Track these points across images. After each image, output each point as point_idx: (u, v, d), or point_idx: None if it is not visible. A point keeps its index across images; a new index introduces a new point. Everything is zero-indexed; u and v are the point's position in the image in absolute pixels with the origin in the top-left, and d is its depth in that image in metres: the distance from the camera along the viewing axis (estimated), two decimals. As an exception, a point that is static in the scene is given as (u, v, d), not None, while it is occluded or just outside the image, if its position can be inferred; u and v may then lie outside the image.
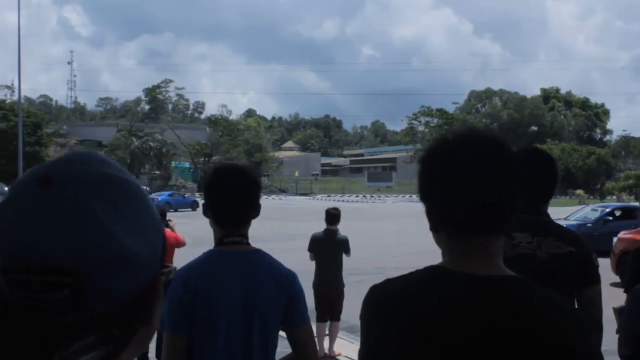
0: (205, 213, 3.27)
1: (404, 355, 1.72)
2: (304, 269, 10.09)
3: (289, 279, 3.22)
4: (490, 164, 1.72)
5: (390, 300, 1.79)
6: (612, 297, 5.05)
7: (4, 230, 0.90)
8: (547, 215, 3.51)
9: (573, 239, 3.40)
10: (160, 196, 57.49)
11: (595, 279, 3.33)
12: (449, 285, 1.72)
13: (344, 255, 10.04)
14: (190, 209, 55.10)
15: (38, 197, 0.90)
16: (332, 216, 10.04)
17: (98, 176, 0.94)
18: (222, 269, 3.13)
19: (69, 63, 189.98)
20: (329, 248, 9.91)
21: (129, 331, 0.95)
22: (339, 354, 9.76)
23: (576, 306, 3.17)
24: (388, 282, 1.87)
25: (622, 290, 4.14)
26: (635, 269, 4.36)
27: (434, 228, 1.81)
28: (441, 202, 1.77)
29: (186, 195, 65.73)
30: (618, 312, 4.30)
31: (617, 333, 3.72)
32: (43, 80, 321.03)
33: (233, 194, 3.19)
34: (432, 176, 1.80)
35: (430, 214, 1.80)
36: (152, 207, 1.00)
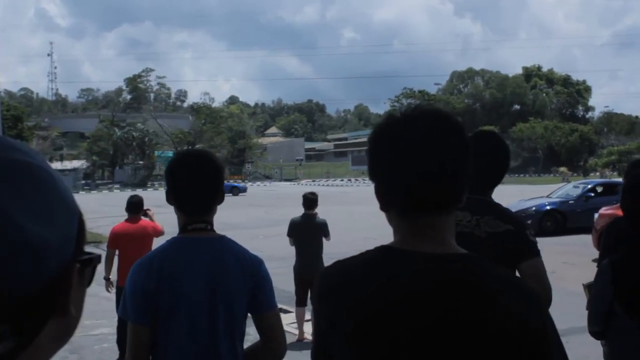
0: (168, 200, 3.23)
1: (354, 337, 1.71)
2: (288, 254, 10.13)
3: (254, 264, 3.18)
4: (433, 138, 1.70)
5: (339, 282, 1.79)
6: (594, 272, 5.07)
7: None
8: (488, 196, 3.57)
9: (510, 217, 3.51)
10: None
11: (534, 252, 3.41)
12: (399, 265, 1.71)
13: (324, 240, 10.11)
14: (230, 194, 54.98)
15: None
16: (310, 201, 10.12)
17: (2, 161, 0.90)
18: (186, 256, 3.09)
19: (49, 55, 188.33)
20: (307, 232, 9.98)
21: (40, 321, 0.91)
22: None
23: None
24: (337, 264, 1.87)
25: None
26: (607, 244, 4.38)
27: (383, 207, 1.80)
28: (388, 180, 1.76)
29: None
30: (587, 287, 4.32)
31: (586, 309, 3.75)
32: (23, 73, 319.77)
33: (195, 180, 3.14)
34: (378, 153, 1.79)
35: (378, 193, 1.79)
36: (63, 192, 0.97)
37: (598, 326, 3.55)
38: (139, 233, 8.83)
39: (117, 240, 8.85)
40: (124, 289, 3.16)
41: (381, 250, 1.78)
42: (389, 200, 1.78)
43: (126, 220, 9.04)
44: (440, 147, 1.70)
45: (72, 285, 0.96)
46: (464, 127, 1.80)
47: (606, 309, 3.45)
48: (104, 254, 8.53)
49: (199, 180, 3.15)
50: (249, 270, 3.14)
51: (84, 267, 1.00)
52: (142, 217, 9.20)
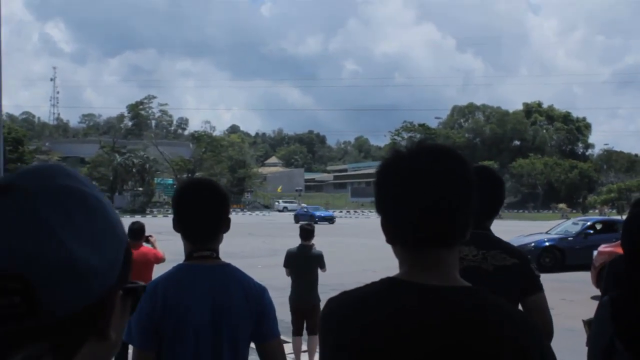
0: (175, 228, 3.25)
1: None
2: (286, 284, 10.13)
3: (258, 293, 3.21)
4: (438, 173, 1.73)
5: (345, 313, 1.80)
6: (593, 309, 5.08)
7: None
8: (490, 231, 3.64)
9: (515, 251, 3.59)
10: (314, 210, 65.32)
11: (539, 286, 3.52)
12: (404, 297, 1.73)
13: (320, 271, 10.17)
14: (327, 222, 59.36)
15: None
16: (306, 232, 10.19)
17: (57, 188, 0.96)
18: (191, 283, 3.12)
19: (51, 79, 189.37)
20: (303, 263, 10.02)
21: (78, 341, 0.95)
22: (318, 369, 9.73)
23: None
24: (344, 295, 1.88)
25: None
26: (607, 281, 4.41)
27: (389, 240, 1.83)
28: (393, 214, 1.79)
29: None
30: (587, 324, 4.34)
31: (586, 345, 3.77)
32: (25, 97, 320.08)
33: (201, 209, 3.18)
34: (384, 187, 1.82)
35: (384, 226, 1.81)
36: (113, 220, 1.02)
37: None
38: (140, 259, 8.77)
39: None
40: None
41: (387, 282, 1.80)
42: (395, 233, 1.80)
43: None
44: (445, 182, 1.72)
45: (114, 311, 1.00)
46: (469, 163, 1.82)
47: (606, 345, 3.46)
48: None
49: (205, 208, 3.18)
50: (253, 298, 3.17)
51: (127, 295, 1.05)
52: (144, 244, 9.24)
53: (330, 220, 62.25)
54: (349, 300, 1.84)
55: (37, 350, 0.89)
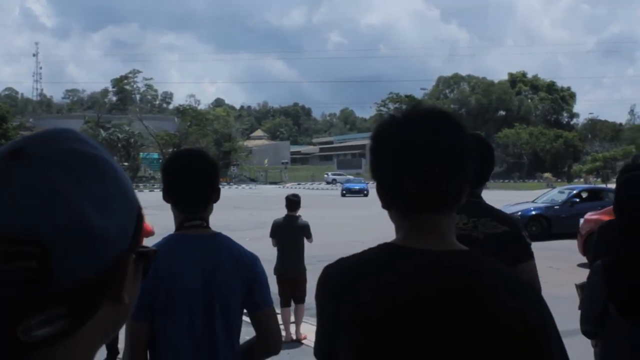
0: (165, 198, 3.25)
1: (359, 332, 1.73)
2: (272, 257, 10.11)
3: (250, 261, 3.20)
4: (434, 137, 1.72)
5: (343, 279, 1.81)
6: (581, 278, 5.07)
7: None
8: (481, 198, 3.63)
9: (507, 218, 3.60)
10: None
11: (530, 254, 3.53)
12: (403, 262, 1.73)
13: (307, 242, 10.26)
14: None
15: (5, 170, 0.92)
16: (292, 202, 10.25)
17: (68, 152, 0.95)
18: (182, 253, 3.12)
19: (34, 55, 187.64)
20: (290, 233, 10.09)
21: (93, 306, 0.95)
22: (305, 338, 9.78)
23: None
24: (341, 261, 1.87)
25: (588, 271, 4.20)
26: (599, 245, 4.41)
27: (385, 206, 1.82)
28: (389, 179, 1.78)
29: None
30: (580, 288, 4.36)
31: (579, 309, 3.78)
32: (8, 73, 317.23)
33: (191, 178, 3.18)
34: (379, 153, 1.81)
35: (380, 192, 1.81)
36: (124, 185, 1.02)
37: (591, 326, 3.59)
38: None
39: None
40: None
41: (383, 248, 1.81)
42: (391, 199, 1.80)
43: None
44: (441, 146, 1.72)
45: (128, 275, 1.00)
46: (465, 127, 1.82)
47: (599, 309, 3.47)
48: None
49: (195, 177, 3.18)
50: (245, 267, 3.16)
51: (139, 259, 1.05)
52: None
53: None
54: (345, 267, 1.84)
55: (52, 315, 0.89)
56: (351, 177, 69.71)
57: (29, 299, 0.88)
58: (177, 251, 3.13)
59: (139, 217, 1.05)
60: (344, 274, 1.82)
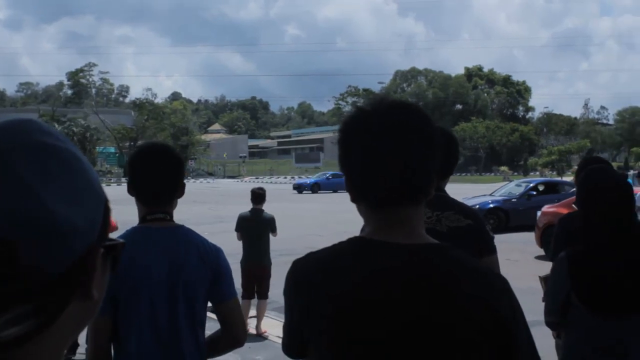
0: (129, 191, 3.25)
1: (331, 326, 1.73)
2: (233, 251, 10.06)
3: (213, 253, 3.21)
4: (402, 131, 1.72)
5: (313, 274, 1.80)
6: (538, 270, 5.10)
7: None
8: (444, 192, 3.63)
9: (470, 212, 3.60)
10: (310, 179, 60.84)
11: (492, 248, 3.54)
12: (372, 255, 1.73)
13: (271, 236, 10.24)
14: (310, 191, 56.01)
15: None
16: (258, 195, 10.24)
17: (32, 143, 0.93)
18: (145, 245, 3.10)
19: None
20: (255, 227, 10.09)
21: (63, 302, 0.92)
22: (265, 332, 9.76)
23: None
24: (310, 255, 1.87)
25: (546, 263, 4.25)
26: (561, 237, 4.46)
27: (354, 199, 1.82)
28: (358, 172, 1.77)
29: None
30: (544, 280, 4.41)
31: (543, 301, 3.81)
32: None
33: (156, 172, 3.18)
34: (348, 146, 1.80)
35: (349, 185, 1.81)
36: (91, 177, 0.99)
37: (555, 317, 3.62)
38: None
39: None
40: None
41: (354, 242, 1.81)
42: (359, 193, 1.79)
43: None
44: (410, 140, 1.72)
45: (96, 270, 0.97)
46: (432, 120, 1.82)
47: (563, 301, 3.50)
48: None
49: (160, 171, 3.18)
50: (209, 259, 3.16)
51: (108, 252, 1.01)
52: None
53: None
54: (315, 261, 1.84)
55: (20, 314, 0.86)
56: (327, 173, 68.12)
57: None
58: (141, 242, 3.11)
59: (107, 210, 1.02)
60: (314, 268, 1.81)
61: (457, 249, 1.82)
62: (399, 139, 1.71)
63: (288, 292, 1.87)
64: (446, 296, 1.67)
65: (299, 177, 71.78)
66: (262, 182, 78.05)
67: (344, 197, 1.85)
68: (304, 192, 55.50)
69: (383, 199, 1.75)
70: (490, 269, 1.91)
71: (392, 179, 1.71)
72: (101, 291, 1.01)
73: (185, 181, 3.32)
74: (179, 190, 3.26)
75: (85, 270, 0.95)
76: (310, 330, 1.79)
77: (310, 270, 1.81)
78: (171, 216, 3.25)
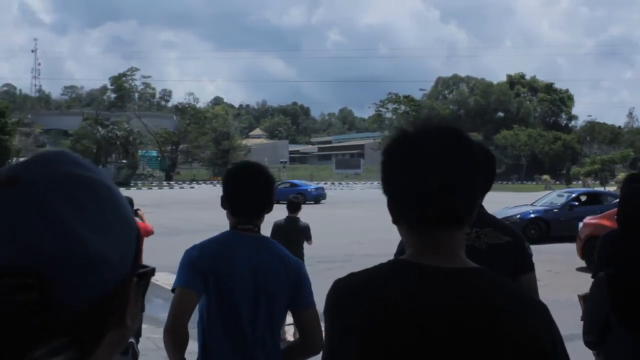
0: (222, 205, 3.56)
1: (365, 348, 1.73)
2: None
3: (296, 265, 3.49)
4: (445, 154, 1.72)
5: (352, 295, 1.80)
6: (579, 282, 5.06)
7: None
8: (483, 208, 3.62)
9: (509, 229, 3.62)
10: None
11: (531, 266, 3.55)
12: (408, 277, 1.73)
13: (306, 243, 10.32)
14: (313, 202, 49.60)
15: (2, 198, 0.91)
16: (293, 204, 10.33)
17: (66, 176, 0.95)
18: (235, 249, 3.41)
19: (32, 51, 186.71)
20: (290, 235, 10.06)
21: (99, 333, 0.94)
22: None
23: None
24: (350, 276, 1.87)
25: (587, 275, 4.21)
26: (603, 255, 4.41)
27: (395, 221, 1.82)
28: (399, 195, 1.78)
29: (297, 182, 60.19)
30: (583, 298, 4.36)
31: (581, 320, 3.77)
32: (6, 69, 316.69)
33: (249, 189, 3.49)
34: (390, 168, 1.81)
35: (390, 207, 1.81)
36: (123, 207, 1.01)
37: (594, 336, 3.58)
38: None
39: None
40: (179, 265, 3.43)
41: (395, 263, 1.83)
42: (401, 215, 1.80)
43: None
44: (452, 163, 1.72)
45: (130, 298, 1.00)
46: (475, 143, 1.82)
47: (602, 320, 3.47)
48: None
49: (254, 188, 3.50)
50: (292, 270, 3.45)
51: (139, 280, 1.04)
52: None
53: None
54: (355, 282, 1.84)
55: (58, 346, 0.88)
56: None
57: (33, 330, 0.87)
58: (232, 245, 3.44)
59: (138, 238, 1.04)
60: (354, 290, 1.82)
61: (497, 272, 1.82)
62: (442, 162, 1.71)
63: (328, 313, 1.88)
64: (485, 320, 1.66)
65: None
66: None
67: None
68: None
69: (425, 222, 1.74)
70: (530, 294, 1.91)
71: (435, 201, 1.71)
72: (134, 319, 1.02)
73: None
74: (269, 206, 3.56)
75: (120, 301, 0.96)
76: (348, 350, 1.79)
77: (351, 292, 1.82)
78: (259, 228, 3.54)
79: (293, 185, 53.60)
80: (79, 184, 0.95)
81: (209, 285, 3.32)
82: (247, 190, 3.49)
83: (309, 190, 51.47)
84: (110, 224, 0.96)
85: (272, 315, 3.40)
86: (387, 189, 1.81)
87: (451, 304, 1.68)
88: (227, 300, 3.33)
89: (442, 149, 1.73)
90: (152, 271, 1.08)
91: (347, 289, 1.84)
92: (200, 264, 3.33)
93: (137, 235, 1.04)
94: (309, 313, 3.45)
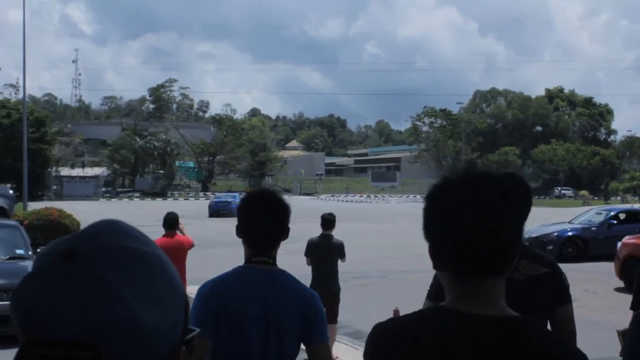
0: (238, 234, 3.53)
1: None
2: (307, 272, 10.15)
3: (309, 300, 3.46)
4: (488, 203, 1.72)
5: (392, 339, 1.81)
6: (617, 303, 4.98)
7: (28, 304, 0.95)
8: (523, 243, 3.61)
9: (546, 260, 3.66)
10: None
11: (568, 298, 3.59)
12: (448, 325, 1.73)
13: (340, 261, 10.32)
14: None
15: (60, 272, 0.95)
16: (327, 221, 10.33)
17: (118, 250, 0.98)
18: (247, 283, 3.41)
19: (73, 61, 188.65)
20: (324, 252, 10.16)
21: None
22: (337, 358, 9.77)
23: (549, 326, 3.48)
24: (390, 322, 1.89)
25: (626, 296, 4.14)
26: None
27: (436, 266, 1.82)
28: (440, 242, 1.78)
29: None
30: (622, 335, 4.28)
31: (620, 356, 3.71)
32: (47, 79, 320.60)
33: (262, 219, 3.46)
34: (432, 215, 1.81)
35: (432, 253, 1.81)
36: (172, 277, 1.04)
37: None
38: (177, 247, 9.55)
39: None
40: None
41: (432, 310, 1.85)
42: (442, 261, 1.79)
43: (164, 236, 9.79)
44: (495, 212, 1.72)
45: None
46: (518, 191, 1.82)
47: None
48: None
49: (267, 218, 3.47)
50: (305, 305, 3.43)
51: (187, 345, 1.07)
52: (178, 234, 10.05)
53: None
54: (395, 327, 1.85)
55: None
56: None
57: None
58: (242, 281, 3.42)
59: (187, 308, 1.08)
60: (394, 334, 1.82)
61: (537, 322, 1.83)
62: (485, 210, 1.71)
63: (368, 355, 1.89)
64: None
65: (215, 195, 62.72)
66: (338, 200, 78.21)
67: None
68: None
69: (466, 270, 1.75)
70: (572, 343, 1.90)
71: (476, 250, 1.71)
72: None
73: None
74: (284, 235, 3.52)
75: None
76: None
77: (391, 337, 1.82)
78: (274, 259, 3.51)
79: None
80: (131, 257, 0.99)
81: (220, 320, 3.34)
82: (261, 220, 3.47)
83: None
84: (161, 295, 0.99)
85: (282, 350, 3.39)
86: (429, 235, 1.81)
87: (490, 353, 1.67)
88: (238, 335, 3.35)
89: (485, 197, 1.73)
90: (197, 335, 1.11)
91: (387, 334, 1.84)
92: (211, 301, 3.36)
93: (185, 304, 1.08)
94: (320, 348, 3.47)
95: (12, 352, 0.97)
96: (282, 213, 3.52)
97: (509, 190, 1.78)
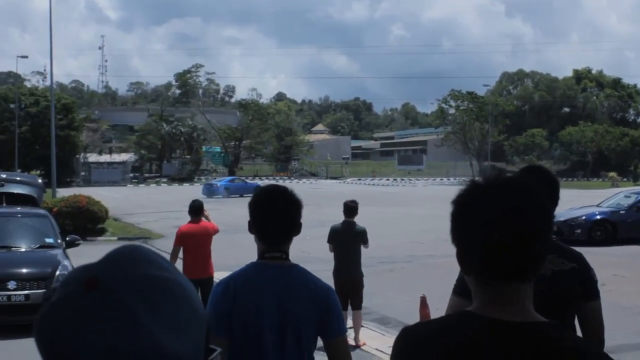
0: (250, 230, 3.56)
1: None
2: (330, 257, 10.18)
3: (324, 293, 3.47)
4: (516, 209, 1.73)
5: (420, 343, 1.82)
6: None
7: (51, 333, 0.96)
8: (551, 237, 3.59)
9: (574, 255, 3.60)
10: (219, 182, 58.22)
11: (596, 294, 3.54)
12: (474, 331, 1.74)
13: (362, 247, 10.32)
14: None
15: (83, 301, 0.96)
16: (350, 208, 10.43)
17: (141, 278, 0.99)
18: (260, 282, 3.42)
19: (99, 48, 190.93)
20: (347, 239, 10.23)
21: None
22: (364, 344, 9.80)
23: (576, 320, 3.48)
24: (417, 325, 1.92)
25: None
26: None
27: (463, 271, 1.84)
28: (468, 247, 1.79)
29: (247, 181, 63.22)
30: None
31: None
32: (74, 65, 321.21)
33: (274, 215, 3.47)
34: (459, 220, 1.82)
35: (459, 257, 1.82)
36: (193, 302, 1.05)
37: None
38: (202, 233, 10.17)
39: (183, 239, 10.15)
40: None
41: (459, 315, 1.85)
42: (470, 266, 1.81)
43: (190, 222, 10.37)
44: (524, 218, 1.72)
45: None
46: (546, 198, 1.83)
47: None
48: (154, 249, 8.88)
49: (278, 214, 3.48)
50: (319, 298, 3.43)
51: None
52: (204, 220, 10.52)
53: None
54: (423, 331, 1.87)
55: None
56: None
57: None
58: (256, 280, 3.44)
59: (208, 331, 1.09)
60: (422, 338, 1.83)
61: (566, 330, 1.82)
62: (514, 216, 1.72)
63: (394, 358, 1.91)
64: None
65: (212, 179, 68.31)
66: (364, 183, 78.11)
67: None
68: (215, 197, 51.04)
69: (493, 275, 1.75)
70: (599, 350, 1.90)
71: (505, 255, 1.71)
72: None
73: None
74: (296, 230, 3.54)
75: None
76: None
77: (419, 340, 1.83)
78: (287, 255, 3.52)
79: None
80: (154, 285, 1.00)
81: (234, 319, 3.37)
82: (273, 216, 3.48)
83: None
84: (183, 321, 1.00)
85: (300, 345, 3.40)
86: (456, 240, 1.83)
87: (517, 358, 1.68)
88: (253, 331, 3.36)
89: (514, 203, 1.74)
90: (218, 354, 1.13)
91: (416, 338, 1.86)
92: (225, 300, 3.39)
93: (207, 327, 1.09)
94: (338, 341, 3.47)
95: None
96: (294, 208, 3.53)
97: (538, 196, 1.79)
